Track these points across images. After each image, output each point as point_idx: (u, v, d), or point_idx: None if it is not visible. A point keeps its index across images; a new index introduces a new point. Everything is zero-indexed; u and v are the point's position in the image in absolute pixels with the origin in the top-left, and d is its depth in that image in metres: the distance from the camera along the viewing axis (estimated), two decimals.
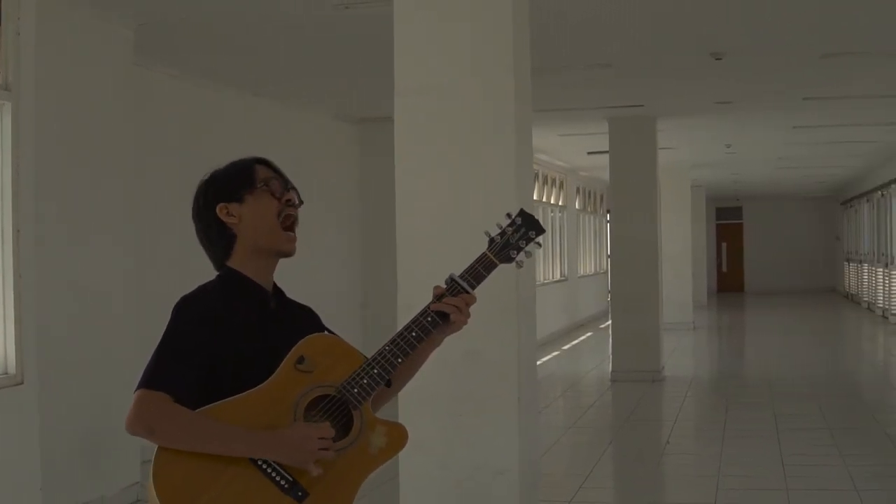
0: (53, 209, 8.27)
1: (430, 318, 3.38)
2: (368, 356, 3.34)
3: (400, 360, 3.32)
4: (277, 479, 3.12)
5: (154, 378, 3.13)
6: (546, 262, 24.97)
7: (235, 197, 3.39)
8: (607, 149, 17.41)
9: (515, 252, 3.45)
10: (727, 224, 43.59)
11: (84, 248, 8.64)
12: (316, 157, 14.77)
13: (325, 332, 3.42)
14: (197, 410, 3.11)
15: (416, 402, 6.10)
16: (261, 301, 3.41)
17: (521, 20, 6.28)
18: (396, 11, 6.27)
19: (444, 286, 3.43)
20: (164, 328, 3.24)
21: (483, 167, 6.14)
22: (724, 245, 43.77)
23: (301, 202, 3.49)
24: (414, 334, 3.35)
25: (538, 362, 17.84)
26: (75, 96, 8.63)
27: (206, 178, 3.49)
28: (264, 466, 3.11)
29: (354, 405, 3.24)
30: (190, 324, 3.23)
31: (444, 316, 3.39)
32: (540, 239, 3.49)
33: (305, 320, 3.52)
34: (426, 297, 6.08)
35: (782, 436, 11.51)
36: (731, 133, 19.60)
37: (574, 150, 21.99)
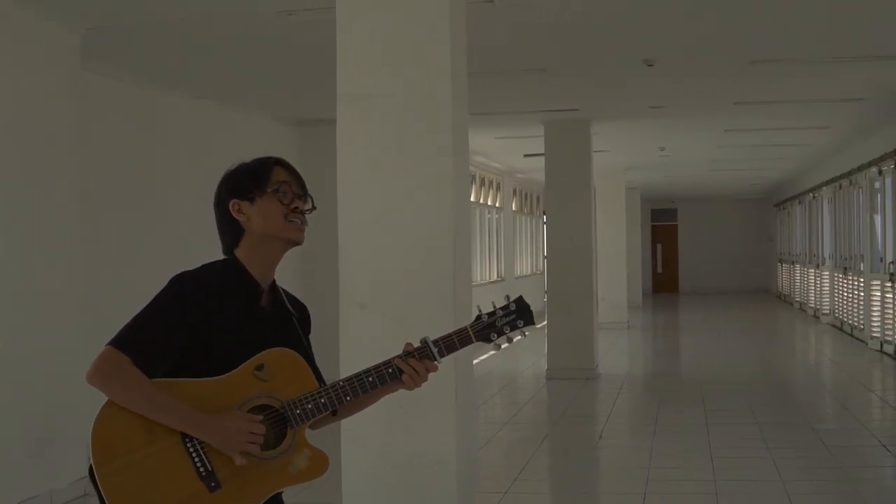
0: (2, 211, 8.40)
1: (390, 370, 3.55)
2: (325, 383, 3.53)
3: (349, 398, 3.51)
4: (198, 465, 3.33)
5: (125, 340, 3.35)
6: (483, 263, 25.17)
7: (247, 196, 3.58)
8: (543, 151, 17.64)
9: (496, 335, 3.60)
10: (662, 225, 43.91)
11: (33, 248, 8.77)
12: (253, 157, 14.87)
13: (290, 350, 3.55)
14: (153, 380, 3.34)
15: None
16: (254, 296, 3.59)
17: (458, 28, 6.49)
18: (339, 19, 6.44)
19: (418, 344, 3.58)
20: (158, 292, 3.46)
21: (421, 169, 6.34)
22: (659, 246, 44.07)
23: (314, 208, 3.69)
24: (371, 379, 3.53)
25: (476, 360, 18.14)
26: (23, 100, 8.72)
27: (230, 168, 3.70)
28: (191, 451, 3.33)
29: (292, 424, 3.45)
30: (176, 300, 3.43)
31: (401, 371, 3.56)
32: (527, 330, 3.63)
33: (292, 324, 3.71)
34: (368, 296, 6.32)
35: (712, 430, 11.83)
36: (664, 136, 19.84)
37: (511, 152, 22.18)
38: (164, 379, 3.37)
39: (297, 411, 3.44)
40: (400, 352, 3.62)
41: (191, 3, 8.88)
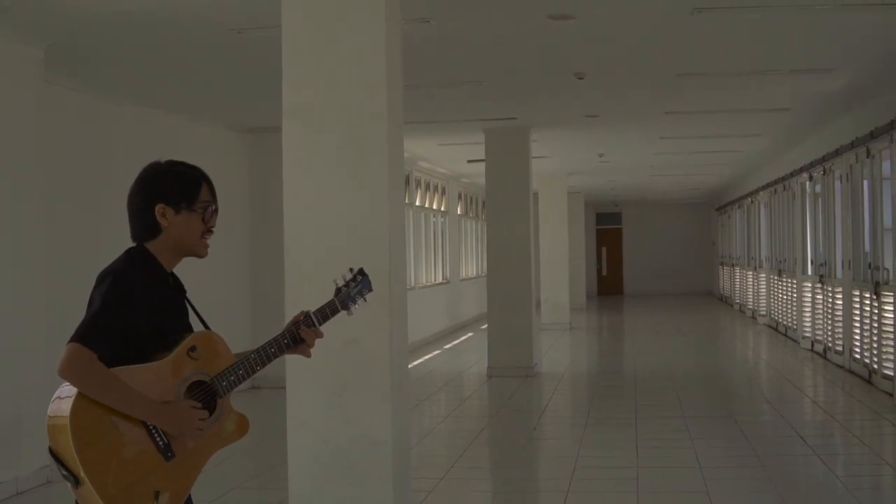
0: None
1: (286, 341, 4.21)
2: (239, 358, 4.15)
3: (259, 367, 4.15)
4: (158, 439, 3.89)
5: (89, 336, 3.78)
6: (428, 266, 25.53)
7: (174, 204, 4.03)
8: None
9: (352, 303, 4.35)
10: (607, 229, 44.33)
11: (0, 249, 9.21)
12: (207, 163, 15.14)
13: (213, 332, 4.13)
14: (113, 369, 3.80)
15: (301, 384, 6.94)
16: (166, 284, 4.12)
17: (394, 46, 7.07)
18: (284, 38, 7.00)
19: (301, 317, 4.24)
20: (103, 291, 3.86)
21: (359, 175, 6.94)
22: (604, 249, 44.49)
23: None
24: (273, 350, 4.17)
25: (420, 360, 18.64)
26: None
27: (161, 166, 4.11)
28: (151, 429, 3.88)
29: (220, 394, 4.07)
30: (122, 294, 3.89)
31: (295, 340, 4.22)
32: (368, 297, 4.41)
33: (185, 299, 4.25)
34: (312, 294, 6.89)
35: (640, 422, 12.43)
36: (602, 143, 20.23)
37: (454, 158, 22.55)
38: (121, 367, 3.83)
39: (224, 383, 4.06)
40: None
41: (147, 22, 9.24)
